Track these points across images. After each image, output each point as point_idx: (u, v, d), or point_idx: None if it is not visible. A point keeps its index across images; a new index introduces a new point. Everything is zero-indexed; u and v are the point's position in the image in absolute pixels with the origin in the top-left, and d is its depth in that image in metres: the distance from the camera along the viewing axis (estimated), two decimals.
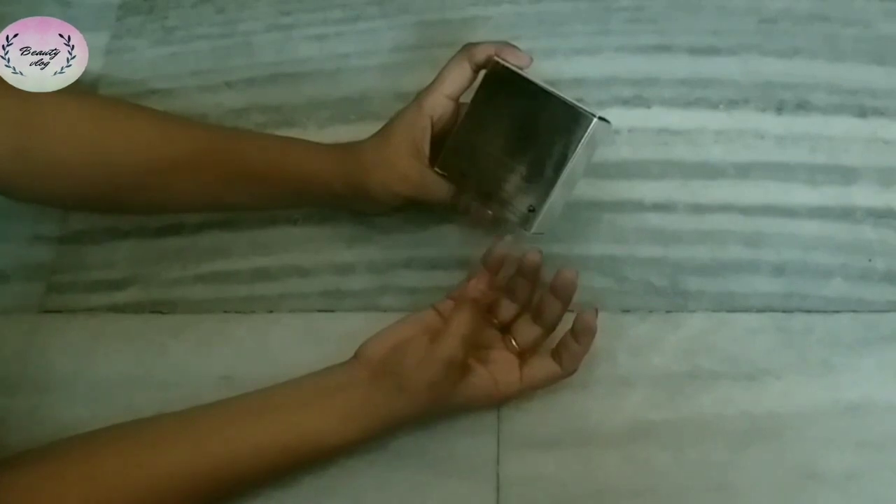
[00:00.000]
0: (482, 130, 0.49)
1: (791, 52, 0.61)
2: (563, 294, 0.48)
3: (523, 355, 0.49)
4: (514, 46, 0.49)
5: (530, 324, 0.50)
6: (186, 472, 0.44)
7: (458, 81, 0.50)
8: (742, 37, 0.62)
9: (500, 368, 0.48)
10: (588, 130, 0.46)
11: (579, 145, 0.46)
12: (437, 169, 0.51)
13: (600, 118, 0.46)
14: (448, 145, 0.51)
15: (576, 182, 0.50)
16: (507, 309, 0.50)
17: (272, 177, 0.52)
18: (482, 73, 0.50)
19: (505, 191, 0.49)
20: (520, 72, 0.48)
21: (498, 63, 0.49)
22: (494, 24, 0.64)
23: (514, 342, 0.49)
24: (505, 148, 0.49)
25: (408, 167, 0.50)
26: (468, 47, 0.50)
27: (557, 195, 0.48)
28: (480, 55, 0.49)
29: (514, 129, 0.48)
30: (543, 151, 0.47)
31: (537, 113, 0.47)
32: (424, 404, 0.46)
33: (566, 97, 0.47)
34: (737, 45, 0.61)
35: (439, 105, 0.50)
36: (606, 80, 0.61)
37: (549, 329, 0.49)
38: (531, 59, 0.49)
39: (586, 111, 0.46)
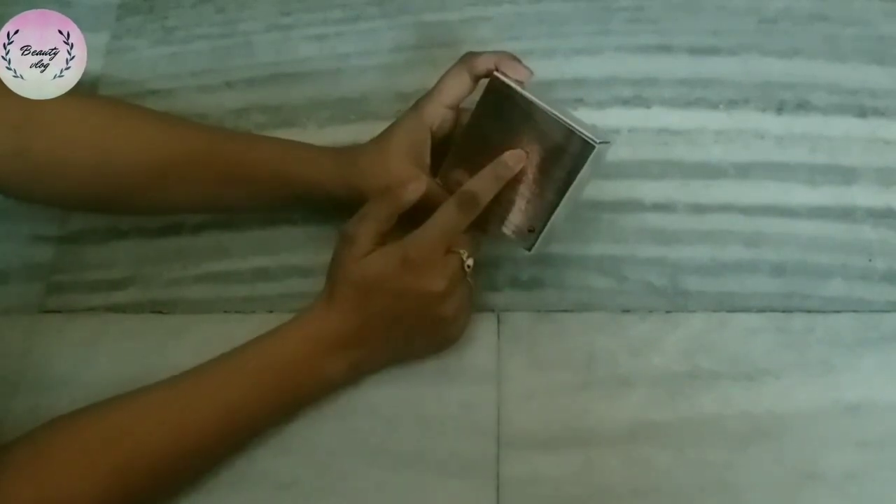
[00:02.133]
0: (483, 145, 0.49)
1: (791, 52, 0.61)
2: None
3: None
4: (514, 58, 0.48)
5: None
6: (186, 420, 0.45)
7: (456, 92, 0.50)
8: (742, 37, 0.62)
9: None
10: (589, 157, 0.45)
11: (581, 170, 0.46)
12: (437, 180, 0.51)
13: (601, 142, 0.45)
14: (449, 158, 0.50)
15: (577, 201, 0.49)
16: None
17: (271, 180, 0.52)
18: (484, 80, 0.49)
19: (505, 209, 0.49)
20: (520, 90, 0.47)
21: (497, 79, 0.48)
22: (494, 25, 0.64)
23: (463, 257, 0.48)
24: None
25: (408, 176, 0.50)
26: (468, 57, 0.49)
27: (558, 216, 0.48)
28: (480, 67, 0.49)
29: (514, 147, 0.48)
30: (544, 174, 0.47)
31: (537, 134, 0.47)
32: (354, 317, 0.47)
33: (566, 120, 0.46)
34: (737, 46, 0.61)
35: (438, 115, 0.50)
36: (606, 80, 0.61)
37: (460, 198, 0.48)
38: (531, 73, 0.48)
39: (588, 137, 0.45)
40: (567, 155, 0.46)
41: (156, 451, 0.44)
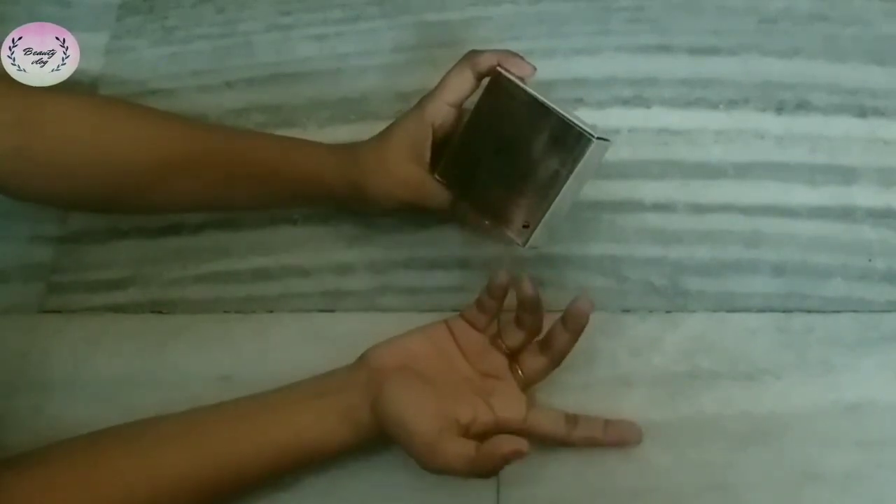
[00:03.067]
0: (482, 141, 0.49)
1: (791, 52, 0.61)
2: (574, 324, 0.46)
3: (527, 387, 0.48)
4: (517, 55, 0.48)
5: (537, 354, 0.48)
6: (187, 473, 0.44)
7: (459, 89, 0.49)
8: (742, 37, 0.62)
9: (504, 406, 0.47)
10: (587, 151, 0.45)
11: (577, 165, 0.46)
12: (436, 176, 0.51)
13: (599, 138, 0.45)
14: (448, 153, 0.50)
15: (574, 197, 0.49)
16: (515, 335, 0.48)
17: (272, 176, 0.52)
18: (486, 79, 0.49)
19: (502, 204, 0.49)
20: (522, 85, 0.47)
21: (500, 74, 0.48)
22: (494, 25, 0.64)
23: (520, 372, 0.48)
24: (504, 161, 0.48)
25: (408, 173, 0.50)
26: (471, 55, 0.49)
27: (553, 212, 0.48)
28: (483, 64, 0.48)
29: (513, 142, 0.48)
30: (542, 168, 0.47)
31: (537, 128, 0.47)
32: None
33: (566, 114, 0.46)
34: (737, 45, 0.61)
35: (440, 112, 0.50)
36: (606, 80, 0.61)
37: (556, 360, 0.48)
38: (534, 69, 0.48)
39: (585, 131, 0.45)
40: (565, 149, 0.46)
41: (180, 487, 0.44)
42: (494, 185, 0.49)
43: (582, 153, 0.46)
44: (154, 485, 0.43)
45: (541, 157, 0.47)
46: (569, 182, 0.46)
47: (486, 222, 0.51)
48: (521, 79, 0.48)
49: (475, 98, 0.50)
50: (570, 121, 0.46)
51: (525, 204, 0.48)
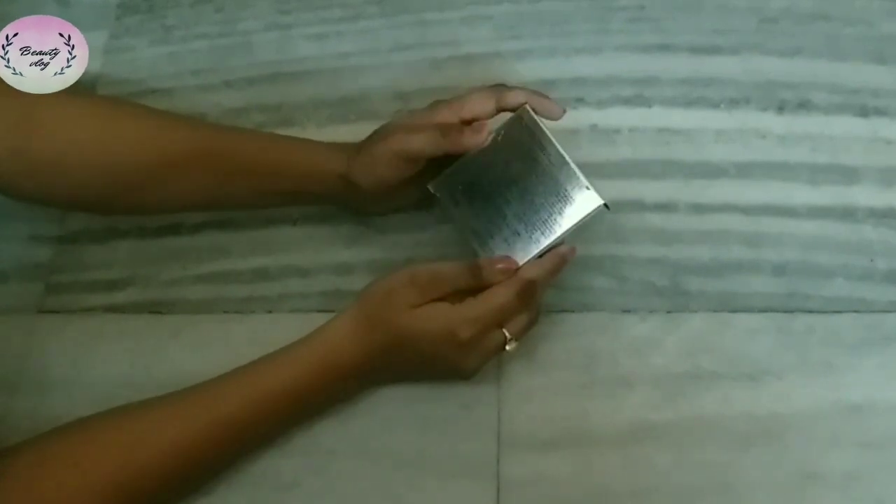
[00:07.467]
0: (490, 169, 0.49)
1: (792, 52, 0.61)
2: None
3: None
4: (547, 98, 0.48)
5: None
6: (176, 437, 0.45)
7: (477, 110, 0.49)
8: (743, 36, 0.62)
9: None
10: (592, 212, 0.47)
11: (576, 222, 0.47)
12: (430, 187, 0.51)
13: (605, 204, 0.46)
14: (450, 169, 0.50)
15: (558, 244, 0.49)
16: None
17: (272, 173, 0.52)
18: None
19: (490, 235, 0.49)
20: (546, 131, 0.48)
21: (527, 112, 0.48)
22: (495, 24, 0.64)
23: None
24: (505, 195, 0.49)
25: (391, 176, 0.50)
26: (500, 87, 0.49)
27: (533, 258, 0.48)
28: (510, 101, 0.48)
29: (520, 180, 0.48)
30: (540, 214, 0.48)
31: (549, 176, 0.48)
32: (380, 357, 0.47)
33: (580, 172, 0.47)
34: (738, 45, 0.61)
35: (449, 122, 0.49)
36: (607, 80, 0.61)
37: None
38: (563, 112, 0.48)
39: (595, 194, 0.46)
40: (572, 206, 0.47)
41: (157, 469, 0.44)
42: (487, 214, 0.49)
43: (587, 213, 0.47)
44: (144, 451, 0.44)
45: (542, 203, 0.48)
46: (561, 235, 0.47)
47: (469, 240, 0.50)
48: (545, 122, 0.48)
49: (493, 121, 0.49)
50: (584, 181, 0.47)
51: (512, 242, 0.48)
